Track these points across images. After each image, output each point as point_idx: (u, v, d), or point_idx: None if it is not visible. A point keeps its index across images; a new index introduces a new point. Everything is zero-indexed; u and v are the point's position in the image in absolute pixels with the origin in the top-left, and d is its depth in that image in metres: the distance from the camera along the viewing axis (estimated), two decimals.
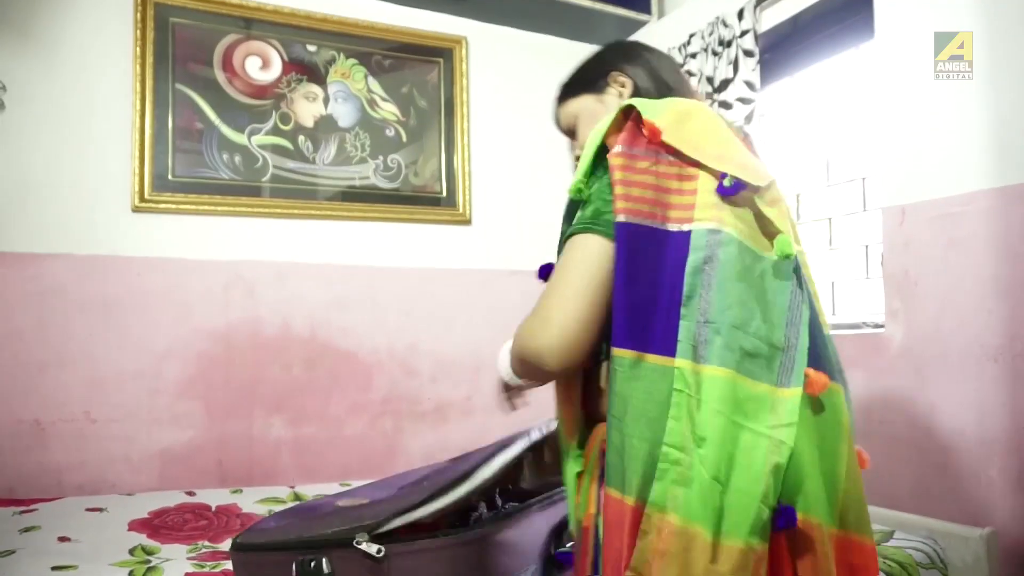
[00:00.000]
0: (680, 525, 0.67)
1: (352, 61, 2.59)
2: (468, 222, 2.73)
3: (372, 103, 2.61)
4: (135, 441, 2.21)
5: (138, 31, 2.26)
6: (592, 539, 0.77)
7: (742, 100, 2.31)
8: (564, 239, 0.81)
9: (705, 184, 0.77)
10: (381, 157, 2.61)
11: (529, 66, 2.90)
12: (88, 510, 1.88)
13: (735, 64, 2.34)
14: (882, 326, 1.92)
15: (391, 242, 2.61)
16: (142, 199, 2.25)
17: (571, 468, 0.85)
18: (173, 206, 2.29)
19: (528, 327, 0.78)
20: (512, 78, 2.86)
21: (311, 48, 2.53)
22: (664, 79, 0.99)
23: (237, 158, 2.39)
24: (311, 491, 2.15)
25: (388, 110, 2.63)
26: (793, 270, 0.75)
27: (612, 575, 0.71)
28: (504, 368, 0.93)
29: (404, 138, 2.65)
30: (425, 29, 2.70)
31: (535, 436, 1.09)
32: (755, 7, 2.31)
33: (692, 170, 0.77)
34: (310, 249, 2.48)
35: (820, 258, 2.29)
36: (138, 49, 2.26)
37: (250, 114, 2.42)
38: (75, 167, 2.20)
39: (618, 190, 0.75)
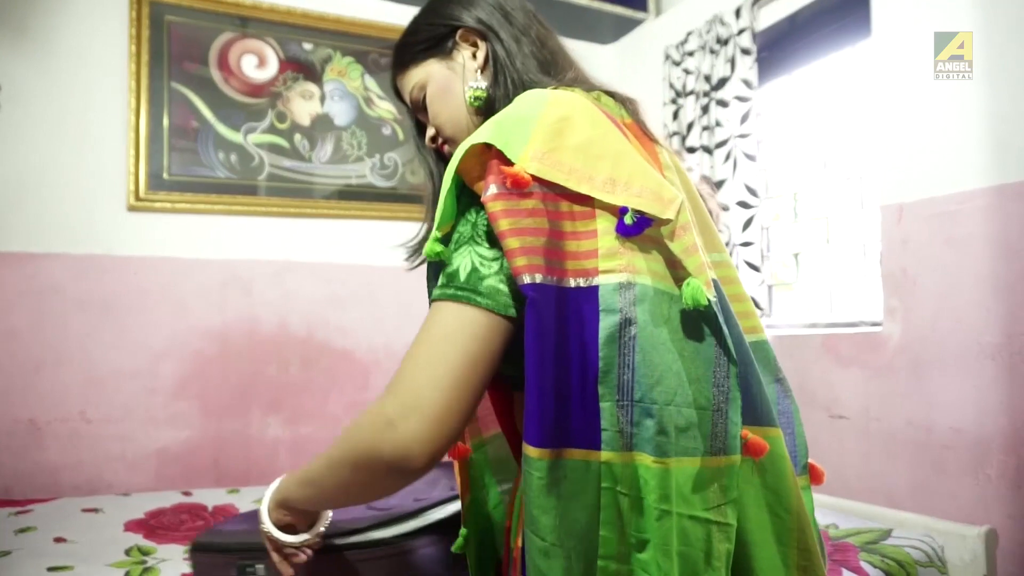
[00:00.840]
0: None
1: (348, 59, 2.58)
2: None
3: (368, 101, 2.60)
4: (131, 441, 2.21)
5: (133, 29, 2.25)
6: (519, 572, 0.66)
7: (739, 98, 2.31)
8: (431, 300, 0.64)
9: (603, 224, 0.62)
10: (378, 155, 2.60)
11: None
12: (84, 510, 1.87)
13: (732, 62, 2.34)
14: (879, 324, 1.92)
15: (388, 241, 2.59)
16: (138, 198, 2.24)
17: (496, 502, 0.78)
18: (169, 205, 2.28)
19: (377, 418, 0.59)
20: None
21: (307, 46, 2.52)
22: (527, 38, 0.81)
23: (233, 157, 2.38)
24: None
25: (384, 108, 2.62)
26: (709, 318, 0.62)
27: None
28: (268, 521, 0.79)
29: (401, 136, 2.64)
30: None
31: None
32: (752, 5, 2.31)
33: (583, 208, 0.62)
34: (307, 248, 2.47)
35: (817, 256, 2.29)
36: (133, 47, 2.25)
37: (246, 113, 2.41)
38: (71, 166, 2.19)
39: (512, 243, 0.58)
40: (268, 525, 0.78)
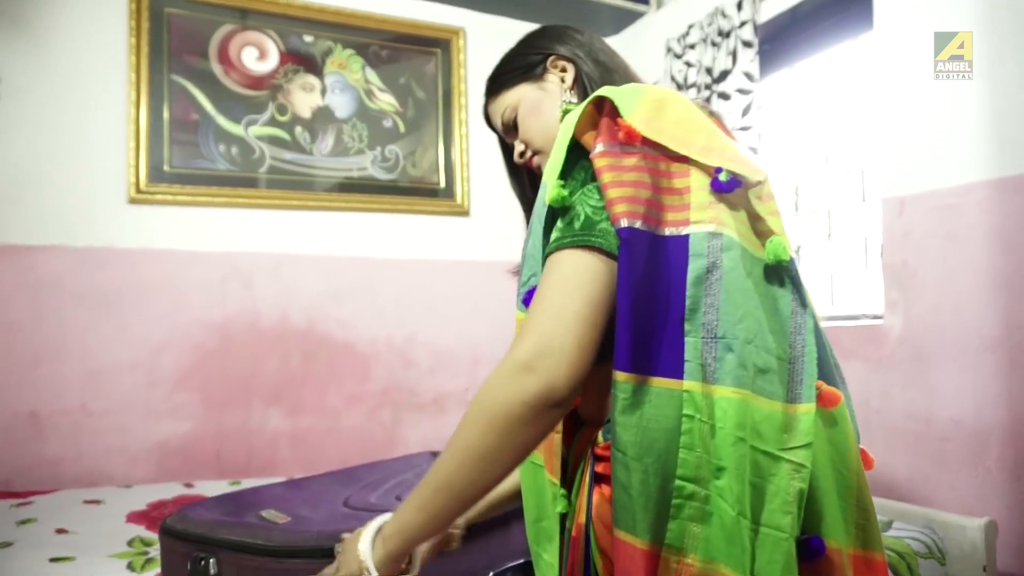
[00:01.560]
0: (701, 567, 0.60)
1: (349, 52, 2.57)
2: (466, 213, 2.72)
3: (369, 94, 2.59)
4: (132, 433, 2.21)
5: (133, 21, 2.25)
6: (582, 551, 0.70)
7: (741, 91, 2.31)
8: (547, 253, 0.69)
9: (697, 181, 0.69)
10: (379, 148, 2.60)
11: None
12: (86, 502, 1.88)
13: (734, 55, 2.33)
14: (881, 317, 1.92)
15: (389, 233, 2.60)
16: (138, 191, 2.24)
17: (552, 509, 0.75)
18: (170, 197, 2.28)
19: (514, 365, 0.63)
20: None
21: (308, 39, 2.52)
22: (604, 61, 0.91)
23: (234, 149, 2.38)
24: None
25: (386, 101, 2.62)
26: (790, 274, 0.68)
27: None
28: (369, 554, 0.72)
29: (402, 129, 2.64)
30: (422, 19, 2.69)
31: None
32: None
33: (681, 166, 0.69)
34: (307, 241, 2.47)
35: (818, 250, 2.29)
36: (133, 40, 2.24)
37: (247, 105, 2.41)
38: (70, 159, 2.18)
39: (612, 193, 0.66)
40: (370, 568, 0.73)
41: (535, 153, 0.92)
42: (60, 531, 1.66)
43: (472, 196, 2.74)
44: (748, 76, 2.30)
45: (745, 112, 2.30)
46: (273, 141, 2.44)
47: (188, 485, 2.09)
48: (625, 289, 0.63)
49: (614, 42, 3.04)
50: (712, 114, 0.84)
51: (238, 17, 2.41)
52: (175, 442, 2.26)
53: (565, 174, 0.72)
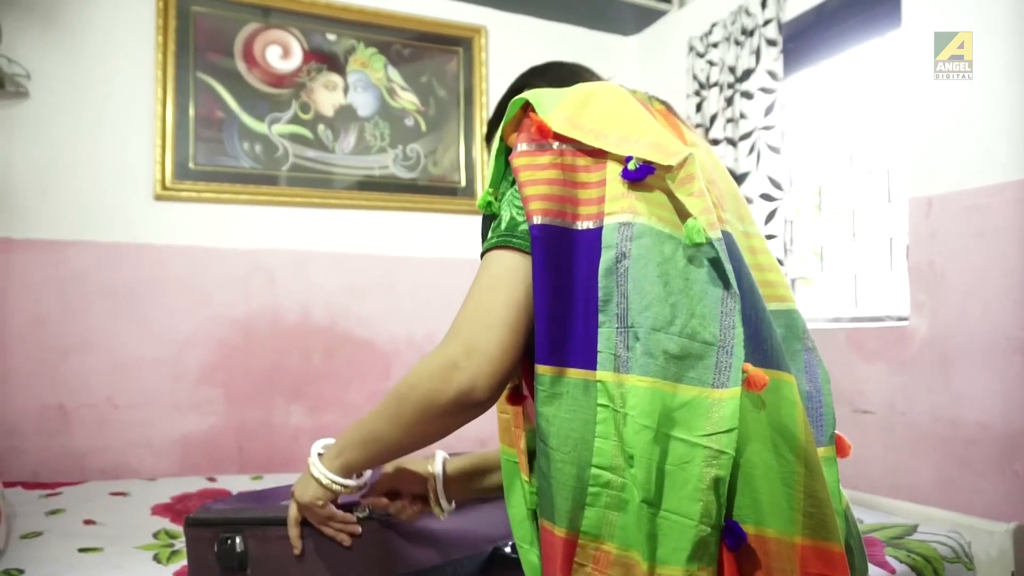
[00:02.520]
0: (617, 554, 0.61)
1: (372, 50, 2.58)
2: None
3: (391, 92, 2.61)
4: (156, 427, 2.24)
5: (160, 20, 2.27)
6: None
7: (764, 90, 2.29)
8: (481, 254, 0.72)
9: (612, 172, 0.70)
10: (400, 146, 2.61)
11: (548, 56, 2.87)
12: (112, 494, 1.90)
13: (758, 54, 2.32)
14: (906, 319, 1.90)
15: (410, 232, 2.61)
16: (164, 187, 2.26)
17: (520, 504, 0.77)
18: (194, 194, 2.30)
19: (444, 360, 0.67)
20: None
21: (331, 37, 2.53)
22: (580, 77, 0.94)
23: (258, 147, 2.40)
24: None
25: (407, 99, 2.63)
26: (711, 256, 0.66)
27: None
28: (324, 471, 0.85)
29: (423, 128, 2.65)
30: (444, 18, 2.70)
31: None
32: None
33: (596, 160, 0.71)
34: (329, 238, 2.49)
35: (842, 250, 2.27)
36: (160, 38, 2.27)
37: (270, 103, 2.43)
38: (97, 155, 2.22)
39: (527, 191, 0.68)
40: (333, 478, 0.84)
41: None
42: (88, 522, 1.68)
43: None
44: (772, 75, 2.28)
45: (768, 111, 2.29)
46: (296, 139, 2.46)
47: (211, 479, 2.11)
48: (539, 284, 0.66)
49: (636, 41, 3.03)
50: (655, 101, 0.85)
51: (262, 16, 2.43)
52: (198, 436, 2.28)
53: (499, 179, 0.76)
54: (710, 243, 0.65)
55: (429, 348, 2.56)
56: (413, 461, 1.00)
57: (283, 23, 2.46)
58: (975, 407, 1.67)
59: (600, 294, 0.65)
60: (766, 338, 0.67)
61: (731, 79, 2.43)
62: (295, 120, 2.46)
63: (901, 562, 1.33)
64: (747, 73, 2.35)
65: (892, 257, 2.10)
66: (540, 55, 2.87)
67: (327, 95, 2.51)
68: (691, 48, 2.64)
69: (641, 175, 0.68)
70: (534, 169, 0.70)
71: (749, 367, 0.63)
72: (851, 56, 2.27)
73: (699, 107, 2.59)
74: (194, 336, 2.30)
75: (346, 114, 2.53)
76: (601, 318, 0.65)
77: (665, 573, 0.60)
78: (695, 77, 2.61)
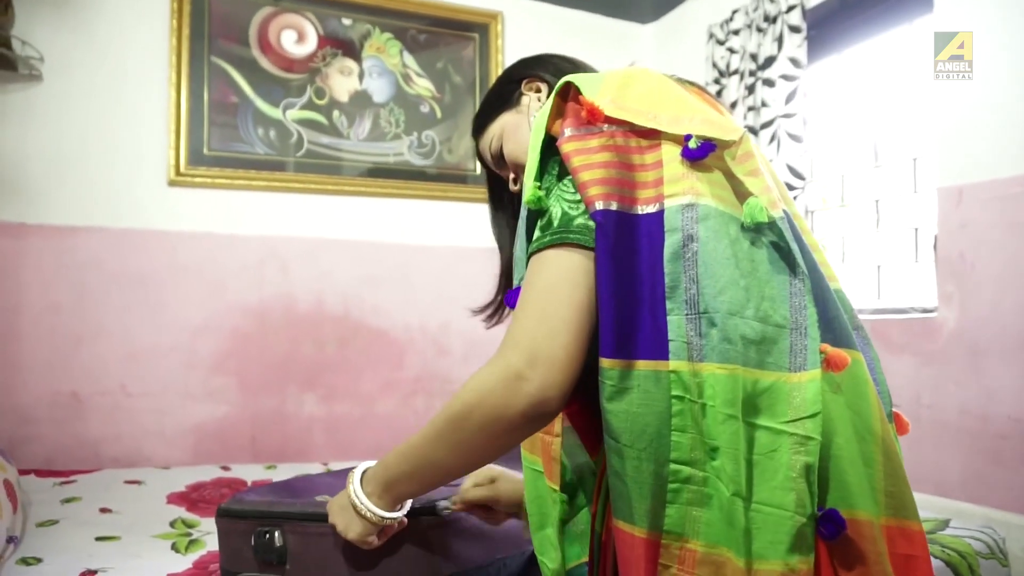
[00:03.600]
0: (704, 552, 0.58)
1: (387, 35, 2.55)
2: None
3: (407, 78, 2.57)
4: (170, 415, 2.22)
5: (174, 3, 2.24)
6: (611, 559, 0.68)
7: (785, 77, 2.25)
8: (529, 255, 0.67)
9: (669, 153, 0.66)
10: (415, 133, 2.57)
11: (564, 43, 2.84)
12: (126, 482, 1.89)
13: (780, 40, 2.28)
14: (931, 310, 1.87)
15: (425, 220, 2.58)
16: (178, 173, 2.24)
17: (554, 517, 0.74)
18: (208, 180, 2.27)
19: (506, 373, 0.62)
20: None
21: (346, 22, 2.49)
22: (572, 63, 0.95)
23: (272, 133, 2.37)
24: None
25: (423, 86, 2.59)
26: (780, 234, 0.64)
27: None
28: (373, 509, 0.78)
29: (439, 114, 2.61)
30: (460, 3, 2.66)
31: None
32: None
33: (651, 140, 0.68)
34: (343, 226, 2.46)
35: (866, 241, 2.23)
36: (174, 22, 2.24)
37: (285, 88, 2.39)
38: (111, 140, 2.19)
39: (584, 176, 0.64)
40: (383, 515, 0.79)
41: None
42: (104, 510, 1.66)
43: None
44: (794, 62, 2.24)
45: (789, 99, 2.25)
46: (311, 125, 2.43)
47: (225, 468, 2.09)
48: (604, 274, 0.62)
49: (653, 28, 2.99)
50: (686, 83, 0.82)
51: (274, 0, 2.40)
52: (211, 425, 2.26)
53: (541, 173, 0.70)
54: (772, 223, 0.63)
55: (443, 338, 2.56)
56: (509, 478, 0.94)
57: (298, 7, 2.43)
58: (1007, 401, 1.64)
59: (667, 280, 0.62)
60: (835, 317, 0.65)
61: (752, 67, 2.39)
62: (310, 106, 2.42)
63: (936, 557, 1.30)
64: (769, 60, 2.31)
65: (918, 248, 2.06)
66: (556, 42, 2.85)
67: (342, 81, 2.47)
68: (711, 35, 2.60)
69: (703, 153, 0.65)
70: (587, 153, 0.66)
71: (827, 347, 0.61)
72: (877, 43, 2.23)
73: (718, 95, 2.55)
74: (207, 324, 2.27)
75: (361, 100, 2.50)
76: (669, 305, 0.61)
77: (764, 568, 0.57)
78: (715, 65, 2.57)
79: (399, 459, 0.75)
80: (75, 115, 2.15)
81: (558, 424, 0.77)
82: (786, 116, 2.25)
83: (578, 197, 0.65)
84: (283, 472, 2.10)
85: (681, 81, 0.81)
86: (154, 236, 2.22)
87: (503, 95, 0.96)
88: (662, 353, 0.60)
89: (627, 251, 0.62)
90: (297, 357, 2.38)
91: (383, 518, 0.79)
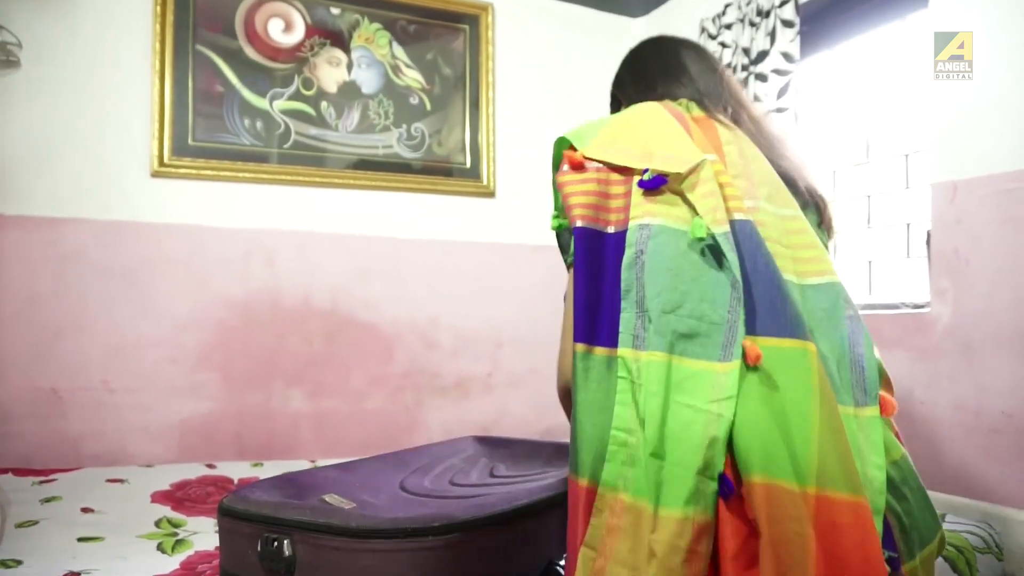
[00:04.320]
0: (630, 502, 0.71)
1: (376, 26, 2.50)
2: (492, 195, 2.66)
3: (396, 70, 2.53)
4: (153, 411, 2.17)
5: None
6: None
7: (778, 72, 2.24)
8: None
9: (636, 184, 0.84)
10: (405, 126, 2.53)
11: (556, 35, 2.82)
12: (109, 481, 1.84)
13: (773, 35, 2.26)
14: (922, 306, 1.87)
15: (414, 213, 2.55)
16: (161, 164, 2.18)
17: None
18: (193, 172, 2.22)
19: (557, 370, 0.89)
20: (538, 47, 2.78)
21: (335, 11, 2.45)
22: (636, 88, 1.08)
23: (259, 123, 2.32)
24: None
25: (412, 77, 2.55)
26: (713, 249, 0.79)
27: (571, 553, 0.74)
28: None
29: (428, 107, 2.57)
30: None
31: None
32: None
33: (624, 175, 0.86)
34: (331, 219, 2.42)
35: (857, 237, 2.23)
36: (158, 8, 2.18)
37: (272, 78, 2.34)
38: (93, 129, 2.13)
39: (570, 201, 0.84)
40: None
41: None
42: (86, 510, 1.62)
43: (498, 177, 2.68)
44: (787, 57, 2.23)
45: (781, 94, 2.24)
46: (298, 116, 2.38)
47: (210, 466, 2.05)
48: (579, 275, 0.79)
49: (644, 22, 2.97)
50: (691, 107, 0.98)
51: None
52: (196, 421, 2.22)
53: (558, 205, 0.90)
54: (712, 237, 0.78)
55: (433, 332, 2.53)
56: None
57: None
58: (1000, 396, 1.64)
59: (623, 284, 0.78)
60: (782, 311, 0.77)
61: (745, 61, 2.38)
62: (297, 96, 2.38)
63: None
64: (761, 55, 2.30)
65: (909, 244, 2.06)
66: (547, 34, 2.82)
67: (330, 71, 2.43)
68: (703, 30, 2.58)
69: (654, 185, 0.82)
70: (575, 183, 0.86)
71: (747, 343, 0.74)
72: (870, 39, 2.22)
73: None
74: (192, 318, 2.22)
75: (350, 91, 2.46)
76: (623, 304, 0.77)
77: (664, 514, 0.69)
78: None
79: None
80: (55, 103, 2.09)
81: None
82: (778, 111, 2.24)
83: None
84: (270, 469, 2.06)
85: (688, 106, 0.97)
86: (137, 228, 2.17)
87: (614, 97, 1.16)
88: (614, 342, 0.76)
89: (596, 261, 0.80)
90: (284, 352, 2.34)
91: None
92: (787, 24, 2.23)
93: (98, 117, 2.13)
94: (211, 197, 2.26)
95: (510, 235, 2.68)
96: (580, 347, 0.77)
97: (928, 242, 1.86)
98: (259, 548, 0.88)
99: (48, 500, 1.67)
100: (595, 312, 0.78)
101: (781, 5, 2.24)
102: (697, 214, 0.79)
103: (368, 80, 2.49)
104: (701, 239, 0.78)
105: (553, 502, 0.95)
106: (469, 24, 2.65)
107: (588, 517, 0.73)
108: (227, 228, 2.28)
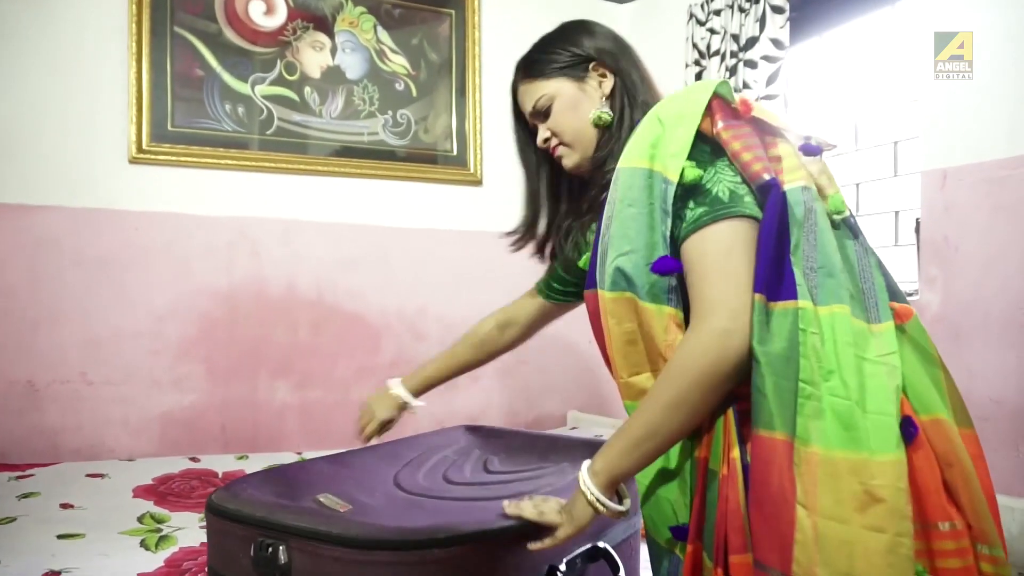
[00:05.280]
0: (824, 454, 0.70)
1: (360, 9, 2.45)
2: (479, 183, 2.63)
3: (381, 55, 2.48)
4: (134, 404, 2.12)
5: None
6: (738, 484, 0.78)
7: (767, 59, 2.23)
8: (695, 228, 0.79)
9: (785, 148, 0.82)
10: (390, 112, 2.49)
11: (543, 20, 2.74)
12: (88, 476, 1.80)
13: (762, 21, 2.25)
14: (912, 294, 1.87)
15: (400, 201, 2.51)
16: (140, 150, 2.12)
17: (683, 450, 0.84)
18: (173, 158, 2.16)
19: (718, 332, 0.75)
20: (526, 32, 2.71)
21: None
22: (643, 78, 1.01)
23: (240, 109, 2.26)
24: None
25: (397, 63, 2.51)
26: (849, 224, 0.83)
27: (776, 508, 0.72)
28: (606, 500, 0.81)
29: (414, 92, 2.53)
30: None
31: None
32: None
33: (772, 138, 0.83)
34: (316, 207, 2.37)
35: None
36: None
37: (253, 62, 2.28)
38: (68, 112, 2.06)
39: (746, 156, 0.79)
40: (606, 502, 0.80)
41: (560, 144, 1.00)
42: (65, 506, 1.58)
43: (485, 165, 2.64)
44: (776, 43, 2.21)
45: (771, 81, 2.22)
46: (281, 101, 2.32)
47: (194, 459, 2.01)
48: (767, 230, 0.76)
49: (630, 8, 2.94)
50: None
51: None
52: (178, 414, 2.17)
53: (687, 155, 0.82)
54: (849, 212, 0.84)
55: (420, 322, 2.50)
56: (381, 401, 1.22)
57: None
58: (989, 383, 1.65)
59: (791, 240, 0.76)
60: (892, 284, 0.83)
61: (734, 47, 2.36)
62: (280, 81, 2.32)
63: None
64: (751, 41, 2.28)
65: (897, 232, 2.06)
66: (533, 19, 2.75)
67: (314, 56, 2.37)
68: (691, 15, 2.56)
69: (818, 151, 0.83)
70: (743, 137, 0.80)
71: (895, 304, 0.79)
72: (858, 26, 2.21)
73: (699, 77, 2.52)
74: (174, 308, 2.17)
75: (334, 76, 2.40)
76: (792, 259, 0.75)
77: (883, 459, 0.70)
78: (695, 46, 2.54)
79: (625, 445, 0.80)
80: (27, 87, 2.02)
81: None
82: (767, 98, 2.23)
83: (739, 178, 0.80)
84: (255, 462, 2.02)
85: None
86: (115, 216, 2.11)
87: (570, 61, 1.00)
88: (793, 294, 0.74)
89: (782, 215, 0.76)
90: (269, 342, 2.29)
91: (621, 511, 0.82)
92: (777, 10, 2.21)
93: (72, 101, 2.06)
94: (192, 184, 2.20)
95: (497, 223, 2.62)
96: (760, 298, 0.74)
97: (917, 230, 1.86)
98: (252, 553, 0.84)
99: (25, 496, 1.62)
100: (776, 266, 0.75)
101: None
102: (833, 189, 0.83)
103: (353, 65, 2.44)
104: (840, 213, 0.82)
105: None
106: (455, 9, 2.60)
107: (792, 472, 0.71)
108: (209, 216, 2.22)
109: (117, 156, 2.12)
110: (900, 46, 2.05)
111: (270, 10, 2.32)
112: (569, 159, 1.00)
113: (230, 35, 2.25)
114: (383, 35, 2.48)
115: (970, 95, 1.72)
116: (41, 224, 2.02)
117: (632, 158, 0.84)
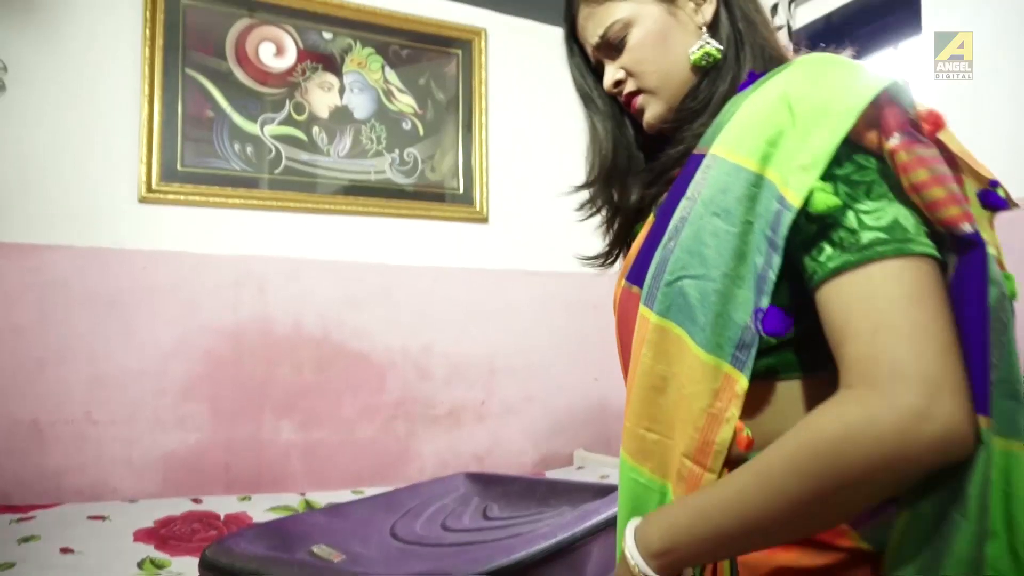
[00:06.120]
0: None
1: (369, 50, 2.49)
2: (485, 220, 2.63)
3: (389, 94, 2.51)
4: (138, 444, 2.10)
5: (148, 12, 2.15)
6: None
7: None
8: (848, 265, 0.53)
9: (970, 189, 0.59)
10: (397, 151, 2.51)
11: (549, 60, 2.79)
12: (90, 518, 1.77)
13: None
14: None
15: (406, 239, 2.52)
16: (149, 189, 2.14)
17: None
18: (182, 197, 2.18)
19: (906, 414, 0.49)
20: (532, 72, 2.77)
21: (327, 35, 2.43)
22: (761, 9, 0.76)
23: (249, 148, 2.29)
24: (322, 498, 2.05)
25: (405, 102, 2.53)
26: (1012, 309, 0.59)
27: None
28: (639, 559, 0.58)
29: (421, 131, 2.55)
30: (444, 19, 2.61)
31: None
32: (790, 3, 2.24)
33: (954, 171, 0.58)
34: (323, 245, 2.38)
35: None
36: (147, 31, 2.15)
37: (263, 103, 2.31)
38: (79, 153, 2.09)
39: (936, 193, 0.53)
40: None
41: (641, 92, 0.74)
42: (65, 550, 1.55)
43: (491, 203, 2.65)
44: None
45: None
46: (289, 141, 2.35)
47: (196, 500, 1.99)
48: (976, 307, 0.52)
49: None
50: None
51: (255, 10, 2.32)
52: (182, 454, 2.15)
53: (829, 171, 0.55)
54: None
55: (425, 360, 2.49)
56: None
57: (276, 20, 2.36)
58: None
59: (991, 333, 0.52)
60: None
61: None
62: (288, 121, 2.35)
63: None
64: None
65: None
66: (541, 60, 2.81)
67: (322, 96, 2.40)
68: None
69: (1004, 206, 0.60)
70: (931, 164, 0.54)
71: None
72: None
73: None
74: (179, 347, 2.17)
75: (342, 116, 2.43)
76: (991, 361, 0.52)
77: None
78: None
79: (695, 514, 0.56)
80: (41, 127, 2.05)
81: (719, 458, 0.60)
82: None
83: (909, 213, 0.54)
84: (258, 503, 2.00)
85: None
86: (124, 255, 2.12)
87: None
88: (1014, 432, 0.52)
89: (984, 291, 0.52)
90: (274, 381, 2.28)
91: None
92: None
93: (84, 142, 2.09)
94: (200, 223, 2.22)
95: (503, 261, 2.65)
96: (986, 421, 0.51)
97: None
98: None
99: (25, 539, 1.60)
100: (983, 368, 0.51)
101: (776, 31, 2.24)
102: (1003, 265, 0.58)
103: (360, 105, 2.46)
104: (1014, 296, 0.58)
105: (550, 551, 0.91)
106: (462, 48, 2.64)
107: None
108: (216, 255, 2.23)
109: (127, 196, 2.13)
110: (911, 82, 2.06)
111: (280, 51, 2.35)
112: (652, 109, 0.74)
113: (240, 76, 2.29)
114: (391, 75, 2.52)
115: (979, 133, 1.71)
116: (51, 263, 2.04)
117: (736, 148, 0.59)
